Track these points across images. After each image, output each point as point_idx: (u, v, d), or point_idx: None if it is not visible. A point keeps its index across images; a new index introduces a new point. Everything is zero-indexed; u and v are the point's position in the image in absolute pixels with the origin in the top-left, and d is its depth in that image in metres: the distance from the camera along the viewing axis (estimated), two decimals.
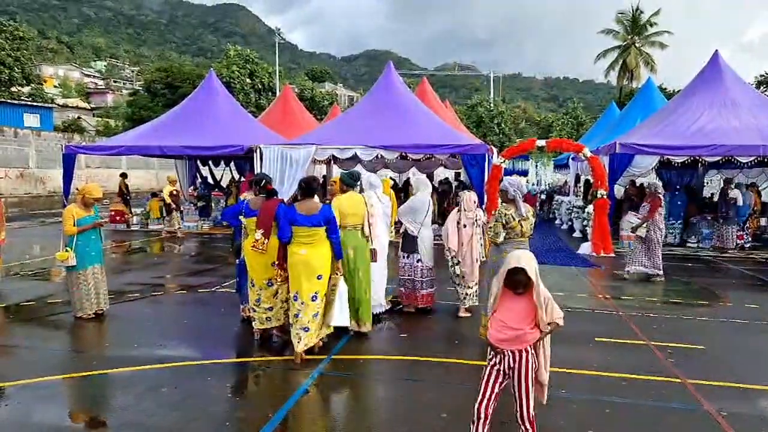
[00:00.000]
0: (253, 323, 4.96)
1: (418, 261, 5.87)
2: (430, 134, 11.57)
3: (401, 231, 6.04)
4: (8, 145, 24.98)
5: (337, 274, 4.71)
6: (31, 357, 4.65)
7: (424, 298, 5.96)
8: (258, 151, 11.73)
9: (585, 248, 10.56)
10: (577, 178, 15.74)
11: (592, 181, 12.06)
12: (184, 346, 4.99)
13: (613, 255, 10.22)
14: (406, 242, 5.93)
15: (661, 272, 7.92)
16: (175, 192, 12.70)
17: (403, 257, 5.98)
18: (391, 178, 13.81)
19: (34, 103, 33.85)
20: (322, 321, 4.62)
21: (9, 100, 31.47)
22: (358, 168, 14.79)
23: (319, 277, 4.50)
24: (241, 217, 4.94)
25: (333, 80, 75.44)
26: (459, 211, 5.73)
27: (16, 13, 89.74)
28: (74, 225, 5.53)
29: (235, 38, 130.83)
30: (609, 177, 10.58)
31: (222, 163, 17.67)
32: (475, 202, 5.79)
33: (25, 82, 35.55)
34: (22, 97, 34.47)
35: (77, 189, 5.99)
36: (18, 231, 13.11)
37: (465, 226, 5.66)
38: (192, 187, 16.04)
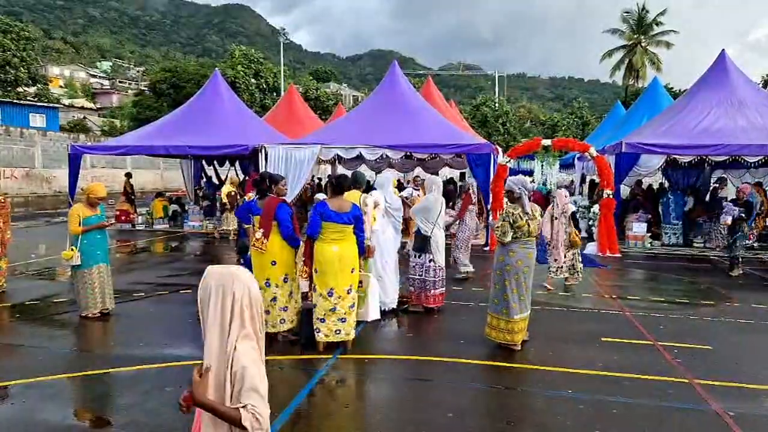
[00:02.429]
0: None
1: (430, 261, 5.86)
2: (434, 134, 11.54)
3: (412, 231, 6.06)
4: (14, 145, 25.14)
5: (361, 271, 4.86)
6: (36, 356, 4.66)
7: (436, 298, 5.95)
8: (263, 150, 11.75)
9: (591, 248, 10.52)
10: (583, 178, 15.68)
11: (597, 180, 12.01)
12: (189, 346, 4.99)
13: (619, 255, 10.18)
14: (418, 242, 5.92)
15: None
16: (233, 192, 12.22)
17: (414, 256, 5.97)
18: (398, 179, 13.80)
19: (40, 104, 34.07)
20: (356, 312, 4.79)
21: (15, 101, 31.69)
22: (363, 168, 14.81)
23: (352, 270, 4.67)
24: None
25: (337, 80, 75.56)
26: (553, 206, 7.05)
27: (21, 14, 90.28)
28: (79, 225, 5.55)
29: (239, 38, 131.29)
30: (615, 177, 10.54)
31: (227, 162, 17.70)
32: (566, 197, 7.10)
33: (31, 82, 35.79)
34: (28, 98, 34.70)
35: (82, 189, 6.01)
36: (24, 230, 13.18)
37: (556, 218, 6.98)
38: (197, 187, 16.07)
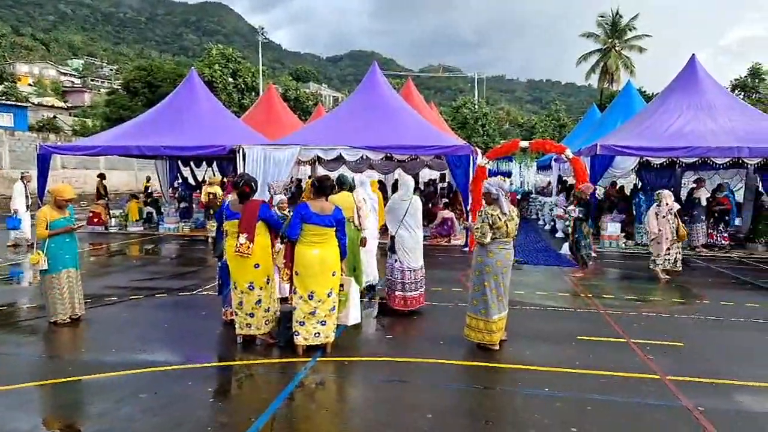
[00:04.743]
0: (236, 326, 4.90)
1: (395, 261, 5.86)
2: (415, 135, 11.59)
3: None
4: None
5: (343, 275, 4.86)
6: (5, 363, 4.50)
7: (406, 300, 5.87)
8: (240, 151, 11.61)
9: (567, 248, 10.68)
10: (559, 179, 15.94)
11: (572, 182, 12.21)
12: (164, 351, 4.89)
13: (594, 255, 10.36)
14: (389, 242, 5.92)
15: None
16: (213, 194, 12.09)
17: (387, 257, 5.99)
18: (379, 180, 13.79)
19: (8, 102, 32.97)
20: (336, 316, 4.77)
21: None
22: (343, 169, 14.77)
23: (333, 274, 4.63)
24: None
25: (318, 80, 75.22)
26: (659, 205, 8.04)
27: None
28: (47, 228, 5.38)
29: (217, 37, 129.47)
30: (590, 178, 10.72)
31: (204, 163, 17.45)
32: (670, 196, 8.16)
33: None
34: None
35: (49, 191, 5.84)
36: None
37: (663, 216, 7.98)
38: (171, 188, 15.77)
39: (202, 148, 12.57)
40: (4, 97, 34.22)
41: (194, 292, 7.04)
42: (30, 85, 56.51)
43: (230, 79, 35.65)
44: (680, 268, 8.25)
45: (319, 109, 23.28)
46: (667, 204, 8.03)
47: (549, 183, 18.88)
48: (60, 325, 5.41)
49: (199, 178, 17.33)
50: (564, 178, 15.75)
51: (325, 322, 4.62)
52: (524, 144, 11.53)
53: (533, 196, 20.20)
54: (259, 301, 4.75)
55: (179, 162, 16.54)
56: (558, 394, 3.90)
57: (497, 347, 4.78)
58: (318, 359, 4.55)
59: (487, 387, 4.17)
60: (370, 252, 6.49)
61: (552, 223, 14.55)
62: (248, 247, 4.54)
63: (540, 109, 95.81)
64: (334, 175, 6.09)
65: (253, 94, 36.20)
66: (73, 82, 69.27)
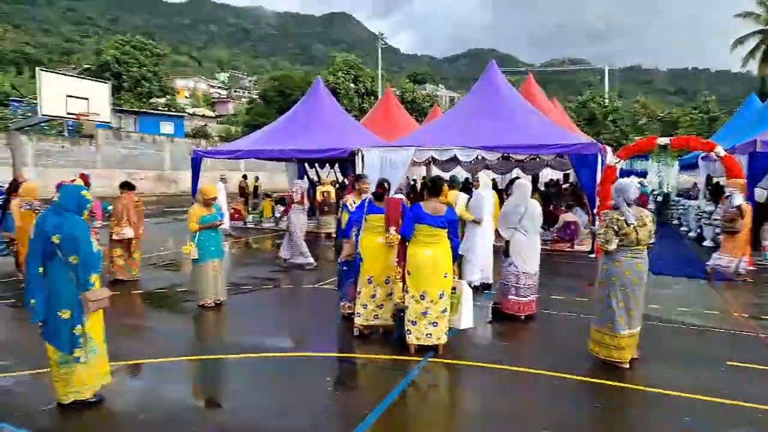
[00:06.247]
0: (356, 319, 5.10)
1: (510, 265, 5.67)
2: (534, 134, 11.05)
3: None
4: (147, 150, 28.44)
5: (455, 277, 4.86)
6: (161, 338, 5.24)
7: (520, 305, 5.68)
8: (359, 153, 12.09)
9: (719, 259, 9.37)
10: (708, 180, 14.06)
11: (725, 183, 10.68)
12: (288, 338, 5.29)
13: (753, 268, 8.96)
14: (506, 247, 5.75)
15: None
16: (326, 192, 13.06)
17: (501, 261, 5.85)
18: (492, 179, 13.43)
19: (169, 113, 38.22)
20: (448, 318, 4.77)
21: (148, 111, 35.88)
22: (458, 170, 14.64)
23: (445, 275, 4.62)
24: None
25: (434, 81, 75.49)
26: None
27: (155, 33, 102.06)
28: (197, 223, 6.12)
29: (341, 45, 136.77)
30: (748, 179, 9.30)
31: (327, 165, 18.48)
32: None
33: (161, 94, 40.36)
34: (158, 108, 39.13)
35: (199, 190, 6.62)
36: (154, 226, 14.83)
37: None
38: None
39: (325, 151, 13.33)
40: (166, 109, 39.74)
41: (316, 286, 7.50)
42: (186, 97, 64.91)
43: (352, 85, 37.38)
44: None
45: (435, 110, 23.33)
46: None
47: (694, 184, 16.73)
48: (206, 308, 6.13)
49: (323, 179, 18.41)
50: (716, 180, 13.84)
51: (436, 323, 4.62)
52: (663, 141, 10.38)
53: (675, 198, 18.05)
54: (391, 293, 5.04)
55: (305, 164, 17.74)
56: (702, 426, 3.44)
57: (627, 365, 4.36)
58: (430, 359, 4.56)
59: (614, 408, 3.82)
60: (487, 250, 6.89)
61: (698, 230, 12.88)
62: (397, 238, 4.81)
63: (686, 101, 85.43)
64: (446, 176, 6.18)
65: (372, 98, 37.52)
66: (220, 93, 78.03)
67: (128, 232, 7.54)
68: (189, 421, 3.49)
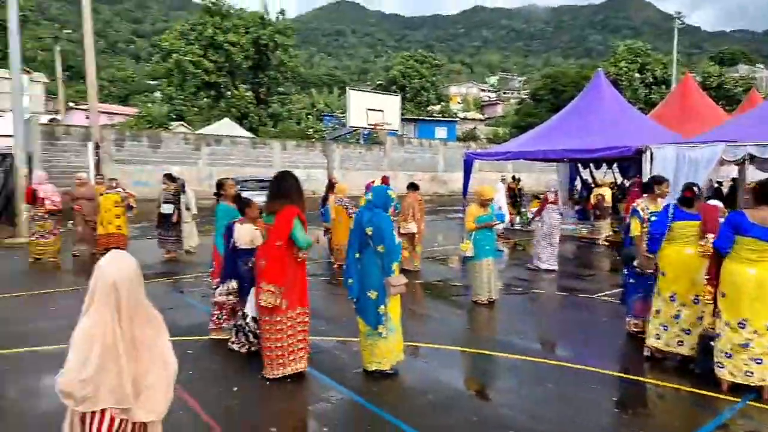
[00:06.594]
0: (650, 340, 4.49)
1: None
2: None
3: None
4: (424, 153, 31.51)
5: None
6: (437, 326, 5.70)
7: None
8: (648, 151, 10.64)
9: None
10: None
11: None
12: (563, 347, 5.07)
13: None
14: None
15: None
16: (600, 196, 12.41)
17: None
18: None
19: (443, 118, 41.54)
20: None
21: (426, 118, 39.75)
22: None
23: None
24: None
25: (750, 61, 60.71)
26: None
27: (434, 45, 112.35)
28: (473, 222, 6.43)
29: (623, 32, 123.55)
30: None
31: (603, 165, 16.97)
32: None
33: (437, 101, 44.19)
34: (434, 114, 42.97)
35: (473, 191, 6.94)
36: (429, 224, 16.34)
37: None
38: (569, 191, 16.09)
39: (606, 149, 12.19)
40: (441, 115, 43.35)
41: (593, 296, 6.95)
42: (458, 103, 69.38)
43: (637, 75, 33.28)
44: None
45: (752, 95, 18.67)
46: None
47: None
48: (479, 304, 6.40)
49: (599, 180, 17.00)
50: None
51: (761, 360, 3.70)
52: None
53: None
54: (701, 317, 4.28)
55: (579, 164, 16.67)
56: None
57: None
58: (750, 402, 3.69)
59: None
60: None
61: None
62: (711, 249, 4.04)
63: None
64: None
65: (664, 87, 32.58)
66: (489, 96, 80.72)
67: (413, 227, 8.49)
68: (468, 409, 3.68)
